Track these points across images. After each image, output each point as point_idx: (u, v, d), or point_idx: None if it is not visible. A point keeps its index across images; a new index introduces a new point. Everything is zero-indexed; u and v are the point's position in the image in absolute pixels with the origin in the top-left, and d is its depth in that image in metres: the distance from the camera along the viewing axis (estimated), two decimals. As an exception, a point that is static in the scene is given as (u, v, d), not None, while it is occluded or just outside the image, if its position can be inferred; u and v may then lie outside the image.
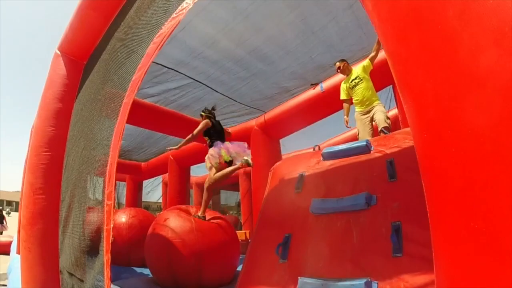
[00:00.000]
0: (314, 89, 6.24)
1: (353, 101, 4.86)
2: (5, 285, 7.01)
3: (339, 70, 4.98)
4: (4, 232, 18.66)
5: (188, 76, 5.78)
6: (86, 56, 4.08)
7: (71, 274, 3.08)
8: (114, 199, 12.67)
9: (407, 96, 0.98)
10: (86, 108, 3.53)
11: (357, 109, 4.81)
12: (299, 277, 2.17)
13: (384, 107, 4.74)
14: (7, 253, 10.33)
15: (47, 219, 3.61)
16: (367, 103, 4.70)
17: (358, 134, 4.74)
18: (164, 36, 2.00)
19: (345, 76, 4.95)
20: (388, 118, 4.46)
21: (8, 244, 11.13)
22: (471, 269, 0.72)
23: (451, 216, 0.79)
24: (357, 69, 4.79)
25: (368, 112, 4.68)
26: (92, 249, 2.52)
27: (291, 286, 2.19)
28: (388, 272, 1.90)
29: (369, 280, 1.90)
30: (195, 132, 5.21)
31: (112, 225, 2.00)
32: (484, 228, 0.67)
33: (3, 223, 19.92)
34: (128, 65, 2.50)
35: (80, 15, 3.78)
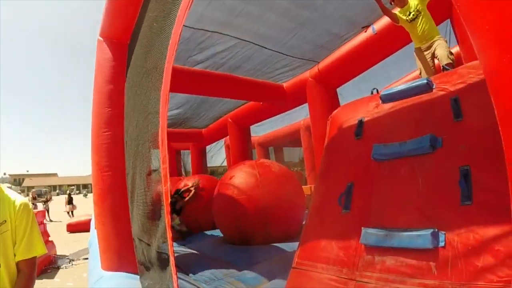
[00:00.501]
0: (366, 31, 5.89)
1: (411, 36, 4.40)
2: (87, 259, 7.63)
3: (393, 2, 4.47)
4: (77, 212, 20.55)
5: (234, 37, 5.66)
6: (127, 36, 4.21)
7: (140, 240, 3.23)
8: (181, 167, 13.21)
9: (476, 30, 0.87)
10: (135, 83, 3.60)
11: (416, 45, 4.35)
12: (362, 228, 2.09)
13: (446, 42, 4.27)
14: (87, 230, 11.24)
15: (115, 193, 3.90)
16: (427, 38, 4.23)
17: (420, 73, 4.35)
18: (186, 8, 1.93)
19: (400, 8, 4.47)
20: (451, 53, 4.03)
21: (88, 222, 12.12)
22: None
23: None
24: (414, 0, 4.33)
25: (429, 47, 4.22)
26: (155, 213, 2.60)
27: (355, 237, 2.12)
28: (456, 222, 1.76)
29: (436, 230, 1.77)
30: None
31: (168, 186, 2.00)
32: None
33: (72, 203, 22.33)
34: (165, 32, 2.46)
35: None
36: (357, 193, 2.32)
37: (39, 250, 2.00)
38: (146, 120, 2.85)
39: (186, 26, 4.97)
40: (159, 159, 2.21)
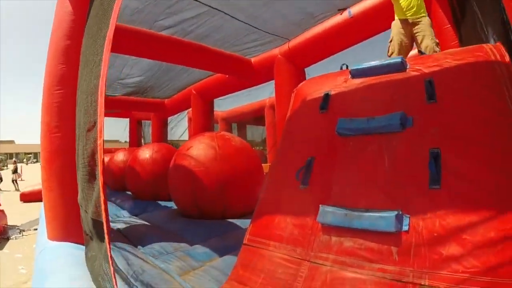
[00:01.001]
0: (341, 14, 5.81)
1: (395, 6, 4.08)
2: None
3: None
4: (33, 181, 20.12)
5: (204, 4, 5.38)
6: None
7: (81, 206, 3.03)
8: (141, 137, 13.02)
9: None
10: (90, 42, 3.36)
11: (398, 16, 4.06)
12: (320, 205, 1.97)
13: (431, 25, 4.00)
14: (41, 200, 11.02)
15: (64, 156, 3.67)
16: (412, 11, 3.95)
17: (390, 41, 4.08)
18: None
19: None
20: (438, 44, 3.87)
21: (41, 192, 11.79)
22: None
23: None
24: None
25: (412, 25, 3.96)
26: (91, 175, 2.39)
27: (311, 215, 1.99)
28: (422, 205, 1.66)
29: (400, 213, 1.67)
30: None
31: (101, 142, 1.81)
32: None
33: (17, 172, 22.38)
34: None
35: None
36: (317, 169, 2.19)
37: None
38: (91, 72, 2.64)
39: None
40: (97, 111, 2.00)
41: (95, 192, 2.15)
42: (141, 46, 6.42)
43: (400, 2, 4.01)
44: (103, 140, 1.83)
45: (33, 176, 23.56)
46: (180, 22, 6.07)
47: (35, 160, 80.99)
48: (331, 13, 5.92)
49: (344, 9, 5.72)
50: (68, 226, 3.57)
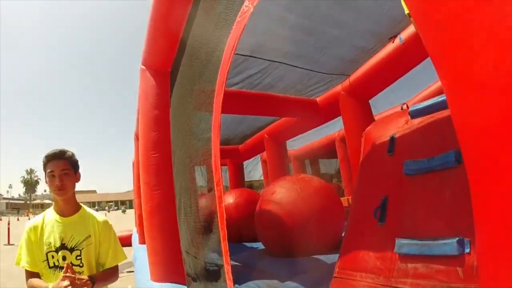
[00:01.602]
0: (393, 42, 6.00)
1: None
2: (132, 271, 8.01)
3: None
4: (117, 228, 21.30)
5: (266, 59, 5.92)
6: (169, 64, 4.54)
7: (188, 253, 3.50)
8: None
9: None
10: (181, 109, 3.90)
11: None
12: (396, 238, 2.28)
13: None
14: (128, 245, 11.87)
15: (165, 210, 4.17)
16: None
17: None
18: (235, 41, 2.19)
19: None
20: None
21: (128, 237, 12.83)
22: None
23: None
24: None
25: None
26: (206, 229, 2.88)
27: (390, 247, 2.31)
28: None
29: (462, 238, 1.93)
30: None
31: (223, 206, 2.29)
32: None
33: None
34: (210, 67, 2.74)
35: (154, 28, 4.16)
36: (391, 206, 2.51)
37: (122, 258, 2.47)
38: (194, 145, 3.13)
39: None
40: (213, 181, 2.48)
41: (212, 241, 2.62)
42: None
43: None
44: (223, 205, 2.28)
45: (116, 222, 24.82)
46: (246, 77, 6.62)
47: (116, 207, 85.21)
48: (383, 43, 6.11)
49: (395, 36, 5.86)
50: (170, 269, 3.99)
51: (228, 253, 2.24)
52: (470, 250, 1.89)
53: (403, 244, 2.21)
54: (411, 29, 5.57)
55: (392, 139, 2.88)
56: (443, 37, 0.90)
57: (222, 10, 2.60)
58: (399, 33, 5.80)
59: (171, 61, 4.48)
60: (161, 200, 4.21)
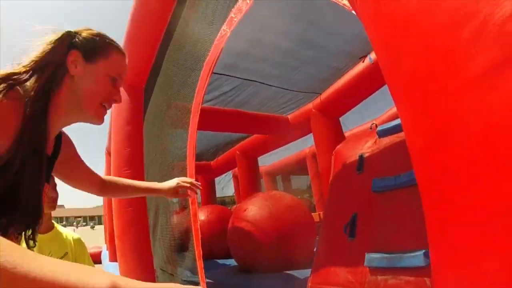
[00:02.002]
0: (363, 62, 6.21)
1: None
2: None
3: None
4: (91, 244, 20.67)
5: (240, 78, 6.05)
6: (143, 80, 4.54)
7: (163, 271, 3.49)
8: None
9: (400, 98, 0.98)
10: (156, 126, 3.92)
11: None
12: (366, 253, 2.39)
13: None
14: (97, 262, 11.60)
15: (137, 227, 4.11)
16: None
17: None
18: (212, 63, 2.26)
19: None
20: None
21: (98, 254, 12.49)
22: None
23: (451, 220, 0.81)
24: None
25: None
26: (181, 247, 2.90)
27: (360, 261, 2.40)
28: None
29: (428, 250, 2.05)
30: None
31: (199, 224, 2.32)
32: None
33: None
34: (186, 88, 2.81)
35: (129, 44, 4.16)
36: (361, 222, 2.62)
37: None
38: (168, 161, 3.16)
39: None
40: (189, 200, 2.51)
41: (188, 259, 2.64)
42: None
43: None
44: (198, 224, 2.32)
45: (85, 239, 24.09)
46: (220, 95, 6.69)
47: (84, 223, 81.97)
48: (354, 62, 6.34)
49: (365, 56, 6.11)
50: None
51: (203, 272, 2.28)
52: (436, 262, 2.01)
53: (373, 258, 2.31)
54: (381, 49, 5.78)
55: (361, 158, 3.01)
56: (398, 68, 0.94)
57: (199, 31, 2.68)
58: (369, 53, 6.03)
59: (145, 77, 4.50)
60: (133, 217, 4.16)
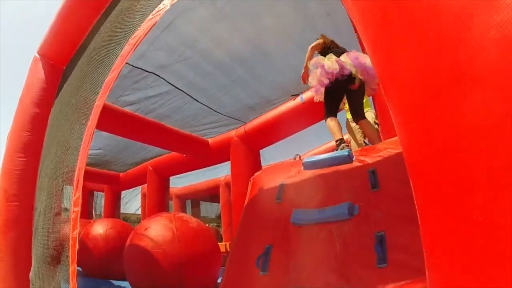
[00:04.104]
0: (294, 100, 6.24)
1: (344, 107, 4.56)
2: None
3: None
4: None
5: (168, 82, 5.69)
6: (65, 61, 4.04)
7: (33, 285, 2.97)
8: (93, 209, 12.50)
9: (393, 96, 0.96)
10: (62, 113, 3.46)
11: (348, 116, 4.59)
12: (280, 290, 2.13)
13: (374, 113, 4.63)
14: None
15: (20, 227, 3.55)
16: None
17: (349, 142, 4.58)
18: (139, 38, 1.97)
19: None
20: (376, 123, 4.36)
21: None
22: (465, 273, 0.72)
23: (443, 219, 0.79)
24: None
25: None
26: (54, 259, 2.43)
27: (273, 300, 2.14)
28: (373, 282, 1.86)
29: (353, 292, 1.87)
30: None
31: (77, 233, 1.90)
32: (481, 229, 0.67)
33: None
34: (102, 67, 2.45)
35: (61, 19, 3.76)
36: (275, 256, 2.37)
37: None
38: (64, 154, 2.73)
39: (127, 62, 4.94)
40: (71, 200, 2.11)
41: (59, 276, 2.19)
42: (104, 120, 6.27)
43: (346, 105, 4.33)
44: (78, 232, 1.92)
45: None
46: (143, 99, 6.27)
47: None
48: (285, 98, 6.33)
49: (297, 95, 6.14)
50: None
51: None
52: (362, 302, 1.82)
53: (288, 297, 2.06)
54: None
55: (282, 186, 2.81)
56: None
57: (136, 12, 2.36)
58: (302, 92, 6.05)
59: (69, 58, 3.99)
60: (18, 214, 3.56)
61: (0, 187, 3.70)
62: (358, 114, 3.84)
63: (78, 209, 2.00)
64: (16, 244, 3.52)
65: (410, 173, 0.91)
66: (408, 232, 1.93)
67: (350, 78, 3.49)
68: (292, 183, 2.79)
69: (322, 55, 3.84)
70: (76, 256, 1.92)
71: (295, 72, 5.45)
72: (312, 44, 3.92)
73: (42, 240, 2.87)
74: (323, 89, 3.74)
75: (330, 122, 3.70)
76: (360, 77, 3.47)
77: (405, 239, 1.93)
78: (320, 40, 3.94)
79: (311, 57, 3.88)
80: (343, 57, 3.54)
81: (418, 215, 0.90)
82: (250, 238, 2.77)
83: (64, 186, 2.56)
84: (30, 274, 3.26)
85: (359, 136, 4.46)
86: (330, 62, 3.52)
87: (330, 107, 3.77)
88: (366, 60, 3.41)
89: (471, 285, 0.69)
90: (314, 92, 3.90)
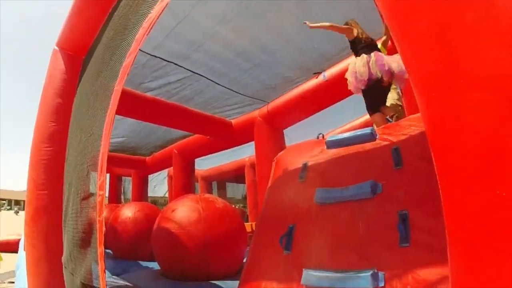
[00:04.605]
0: (317, 78, 6.15)
1: None
2: (13, 282, 7.11)
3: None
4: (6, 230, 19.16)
5: (188, 69, 5.70)
6: (84, 51, 4.08)
7: (65, 268, 3.07)
8: (121, 193, 12.76)
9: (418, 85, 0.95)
10: (84, 101, 3.51)
11: None
12: (303, 269, 2.13)
13: (399, 94, 4.59)
14: (14, 251, 10.55)
15: (50, 214, 3.66)
16: None
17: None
18: (152, 20, 1.95)
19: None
20: (399, 105, 4.34)
21: (17, 242, 11.33)
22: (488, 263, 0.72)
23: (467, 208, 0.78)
24: None
25: None
26: (84, 242, 2.49)
27: (296, 278, 2.14)
28: (395, 263, 1.85)
29: (375, 271, 1.84)
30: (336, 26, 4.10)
31: (103, 216, 1.94)
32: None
33: None
34: (119, 53, 2.46)
35: (77, 11, 3.78)
36: (299, 235, 2.37)
37: None
38: (88, 141, 2.78)
39: (143, 51, 4.97)
40: (97, 184, 2.14)
41: (89, 258, 2.24)
42: (127, 106, 6.47)
43: None
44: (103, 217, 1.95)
45: (6, 224, 22.45)
46: (164, 85, 6.31)
47: (8, 207, 77.18)
48: (307, 77, 6.25)
49: (319, 72, 6.04)
50: (51, 284, 3.49)
51: (105, 276, 1.90)
52: (384, 284, 1.80)
53: (311, 276, 2.05)
54: (336, 68, 5.75)
55: (305, 166, 2.79)
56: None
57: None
58: (324, 70, 5.96)
59: (87, 47, 4.04)
60: (48, 202, 3.68)
61: (29, 177, 3.81)
62: (375, 108, 4.04)
63: (103, 192, 2.03)
64: (47, 230, 3.64)
65: (433, 152, 0.90)
66: (431, 213, 1.90)
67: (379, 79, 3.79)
68: (316, 162, 2.77)
69: (353, 48, 4.14)
70: (104, 239, 1.95)
71: (318, 52, 5.40)
72: (340, 26, 4.08)
73: (72, 225, 2.95)
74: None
75: (376, 117, 3.95)
76: (385, 79, 3.76)
77: (428, 220, 1.89)
78: (354, 30, 4.07)
79: (325, 28, 4.05)
80: (371, 62, 3.79)
81: (440, 193, 0.89)
82: (274, 218, 2.77)
83: (89, 171, 2.61)
84: (63, 258, 3.36)
85: None
86: (362, 69, 3.80)
87: (371, 104, 4.03)
88: (392, 64, 3.72)
89: (495, 265, 0.69)
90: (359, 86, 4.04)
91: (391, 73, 3.73)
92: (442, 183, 0.89)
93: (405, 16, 0.98)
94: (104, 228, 1.92)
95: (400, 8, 0.99)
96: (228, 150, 10.01)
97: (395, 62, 3.71)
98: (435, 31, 0.86)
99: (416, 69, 0.95)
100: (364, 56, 3.86)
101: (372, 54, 3.85)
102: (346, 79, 4.09)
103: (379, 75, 3.73)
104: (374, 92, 3.95)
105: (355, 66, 3.91)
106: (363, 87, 3.90)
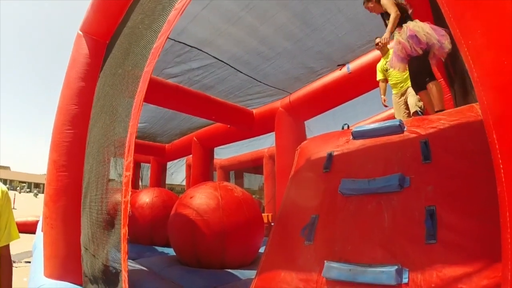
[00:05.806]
0: (340, 70, 6.06)
1: (389, 83, 4.71)
2: (29, 262, 7.22)
3: (377, 47, 4.69)
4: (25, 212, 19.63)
5: (212, 55, 5.66)
6: (108, 36, 4.13)
7: (86, 250, 3.07)
8: (139, 179, 12.89)
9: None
10: (108, 84, 3.50)
11: (393, 91, 4.65)
12: (325, 261, 2.05)
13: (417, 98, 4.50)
14: (32, 232, 10.74)
15: (70, 195, 3.70)
16: (400, 86, 4.51)
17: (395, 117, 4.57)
18: (186, 1, 1.90)
19: (382, 55, 4.73)
20: (419, 100, 4.22)
21: (35, 224, 11.56)
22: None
23: None
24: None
25: (402, 95, 4.50)
26: (108, 223, 2.48)
27: (316, 269, 2.06)
28: (420, 259, 1.76)
29: (400, 267, 1.76)
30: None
31: (129, 198, 1.91)
32: None
33: None
34: (148, 36, 2.41)
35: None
36: (322, 226, 2.29)
37: (16, 236, 2.02)
38: (113, 124, 2.76)
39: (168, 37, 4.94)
40: (123, 165, 2.11)
41: (112, 239, 2.23)
42: (148, 92, 6.34)
43: (390, 81, 4.67)
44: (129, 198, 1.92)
45: (25, 205, 23.05)
46: (187, 71, 6.30)
47: (28, 189, 78.92)
48: (331, 68, 6.16)
49: (343, 64, 5.96)
50: (68, 265, 3.55)
51: (127, 257, 1.88)
52: (408, 281, 1.72)
53: (333, 268, 1.98)
54: (360, 61, 5.64)
55: (330, 155, 2.71)
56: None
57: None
58: (348, 62, 5.85)
59: (111, 32, 4.05)
60: (68, 183, 3.72)
61: (50, 158, 3.86)
62: (421, 84, 3.75)
63: (130, 173, 2.01)
64: (65, 211, 3.68)
65: (493, 149, 0.92)
66: (460, 211, 1.81)
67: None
68: (341, 153, 2.68)
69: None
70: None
71: (342, 42, 5.29)
72: (396, 10, 3.80)
73: (95, 206, 2.95)
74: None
75: (423, 95, 3.75)
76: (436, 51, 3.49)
77: (456, 218, 1.81)
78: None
79: (394, 23, 3.78)
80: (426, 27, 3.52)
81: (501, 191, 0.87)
82: (296, 208, 2.70)
83: (116, 154, 2.60)
84: (82, 238, 3.37)
85: (401, 112, 4.51)
86: (429, 31, 3.49)
87: (422, 75, 3.70)
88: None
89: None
90: (399, 61, 3.79)
91: (440, 45, 3.46)
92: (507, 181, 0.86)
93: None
94: (130, 210, 1.89)
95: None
96: (247, 140, 9.97)
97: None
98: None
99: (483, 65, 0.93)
100: (417, 21, 3.62)
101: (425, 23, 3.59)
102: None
103: (437, 44, 3.45)
104: (425, 63, 3.66)
105: (416, 28, 3.57)
106: (420, 52, 3.54)
